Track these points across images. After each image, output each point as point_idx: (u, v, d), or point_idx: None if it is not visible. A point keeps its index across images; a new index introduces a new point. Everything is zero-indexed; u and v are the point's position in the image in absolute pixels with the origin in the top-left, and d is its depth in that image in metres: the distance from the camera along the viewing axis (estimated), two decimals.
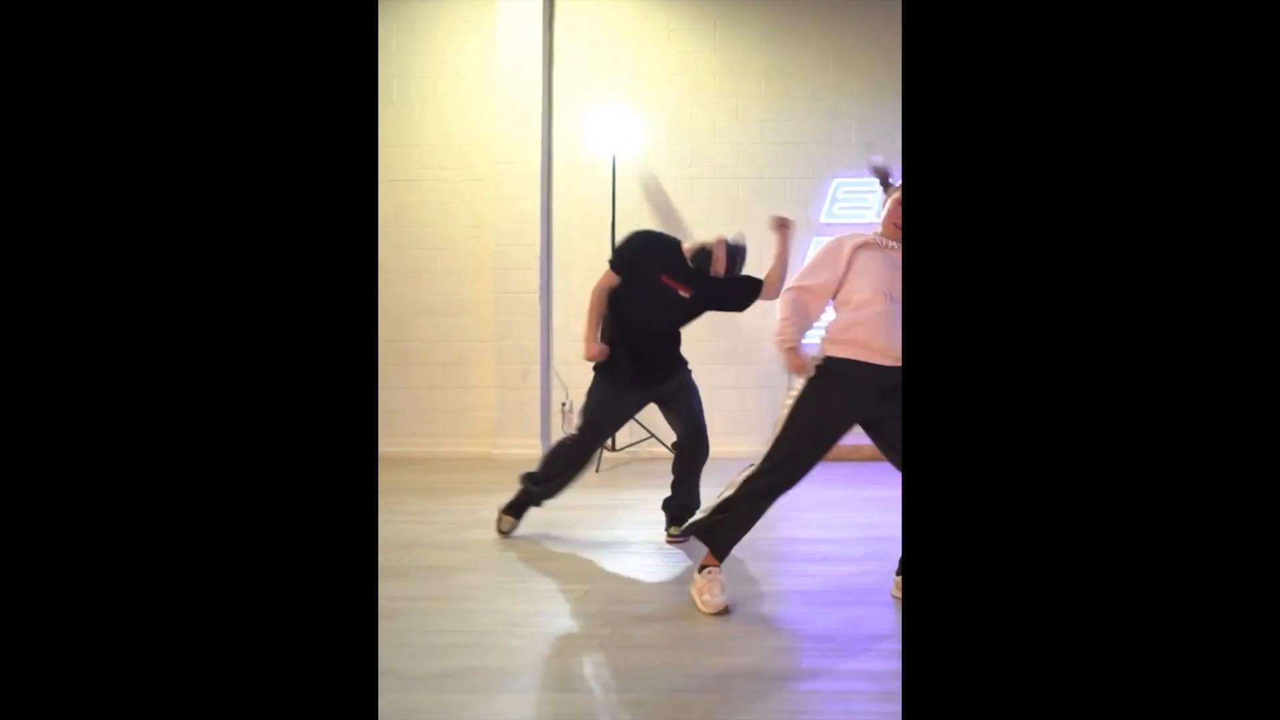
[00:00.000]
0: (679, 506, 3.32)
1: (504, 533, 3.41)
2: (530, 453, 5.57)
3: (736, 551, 2.71)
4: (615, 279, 3.22)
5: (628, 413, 3.36)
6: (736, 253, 3.22)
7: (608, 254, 5.44)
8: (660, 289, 3.21)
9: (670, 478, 3.36)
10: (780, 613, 2.51)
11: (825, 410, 2.41)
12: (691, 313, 3.29)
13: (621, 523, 3.67)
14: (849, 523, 3.64)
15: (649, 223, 5.65)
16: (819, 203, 5.57)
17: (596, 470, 5.01)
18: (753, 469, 2.46)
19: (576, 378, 5.69)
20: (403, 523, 3.67)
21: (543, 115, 5.60)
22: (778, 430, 2.43)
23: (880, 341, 2.35)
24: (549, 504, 3.45)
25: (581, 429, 3.26)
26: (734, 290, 3.27)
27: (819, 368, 2.42)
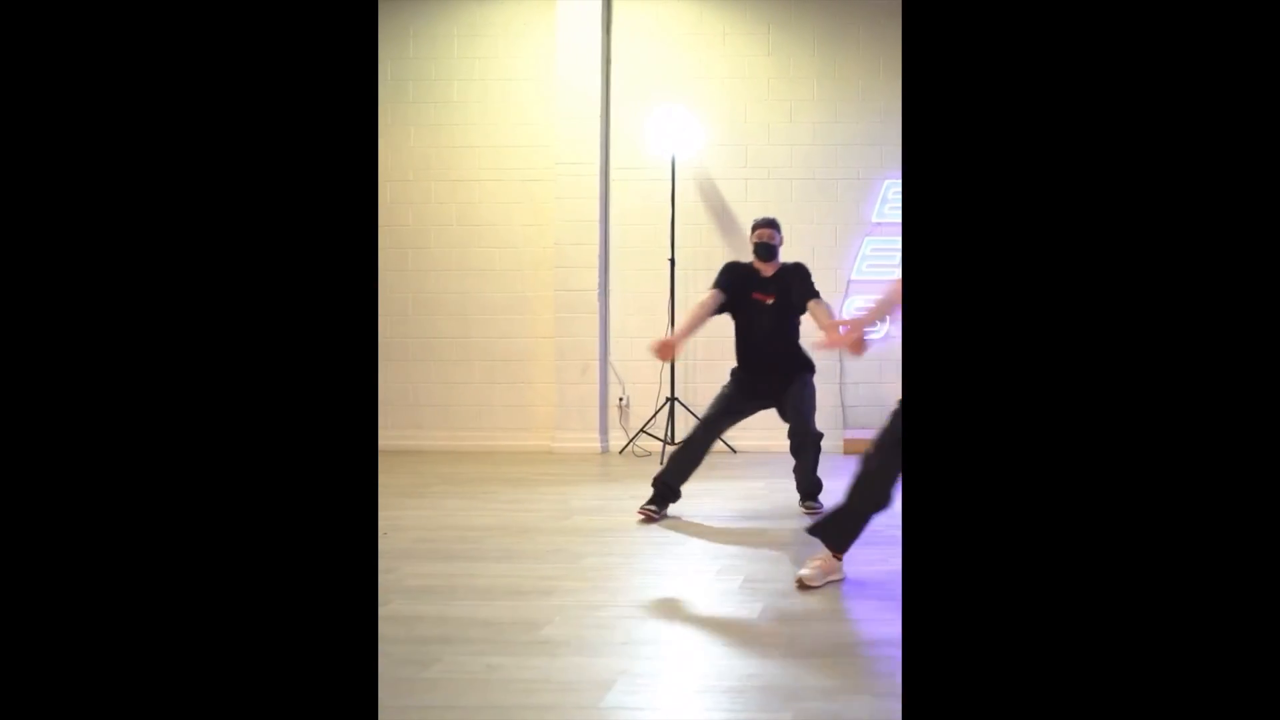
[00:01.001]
0: (802, 484, 3.79)
1: (651, 520, 3.61)
2: (589, 446, 5.72)
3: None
4: (719, 296, 3.66)
5: (742, 414, 3.75)
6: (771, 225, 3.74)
7: (666, 252, 5.62)
8: (753, 304, 3.71)
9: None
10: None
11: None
12: (782, 314, 3.69)
13: (711, 512, 3.82)
14: None
15: (705, 223, 5.83)
16: (870, 202, 5.73)
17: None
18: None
19: (634, 373, 5.84)
20: (506, 510, 3.81)
21: (601, 117, 5.75)
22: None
23: None
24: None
25: (701, 426, 3.67)
26: (792, 279, 3.67)
27: None
